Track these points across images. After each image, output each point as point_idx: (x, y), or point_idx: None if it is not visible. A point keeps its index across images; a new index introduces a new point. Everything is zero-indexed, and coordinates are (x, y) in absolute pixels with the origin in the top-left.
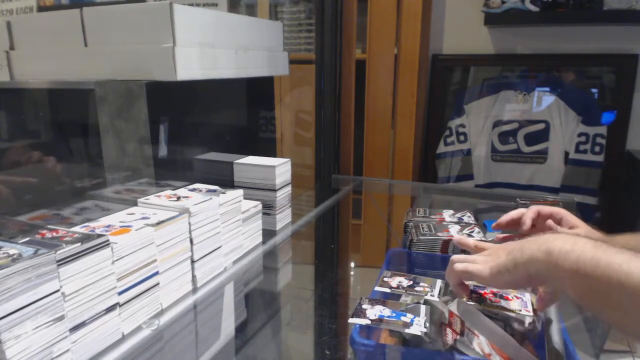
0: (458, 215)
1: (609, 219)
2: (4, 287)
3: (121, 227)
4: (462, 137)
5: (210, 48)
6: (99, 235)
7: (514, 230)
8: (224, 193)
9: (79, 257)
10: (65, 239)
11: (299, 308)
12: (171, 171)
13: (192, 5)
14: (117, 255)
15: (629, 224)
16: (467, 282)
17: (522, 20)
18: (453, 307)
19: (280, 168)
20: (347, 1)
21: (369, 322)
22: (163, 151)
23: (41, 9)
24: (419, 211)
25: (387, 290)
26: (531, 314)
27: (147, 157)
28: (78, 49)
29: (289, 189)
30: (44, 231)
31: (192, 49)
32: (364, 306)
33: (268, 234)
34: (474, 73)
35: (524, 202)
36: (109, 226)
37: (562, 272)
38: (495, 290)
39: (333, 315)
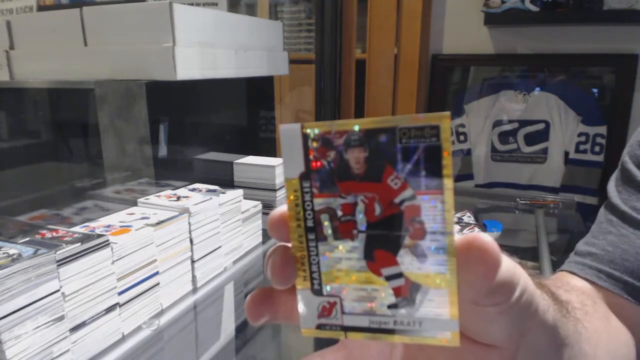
0: (458, 215)
1: None
2: (4, 287)
3: (121, 227)
4: (462, 137)
5: (210, 48)
6: (99, 235)
7: None
8: (223, 193)
9: (79, 257)
10: (65, 239)
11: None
12: (171, 171)
13: (192, 5)
14: (117, 255)
15: None
16: None
17: (522, 20)
18: None
19: (280, 168)
20: (347, 1)
21: None
22: (163, 151)
23: (41, 8)
24: None
25: None
26: None
27: (147, 157)
28: (78, 48)
29: None
30: (44, 231)
31: (192, 49)
32: None
33: (268, 234)
34: (474, 73)
35: (524, 201)
36: (109, 226)
37: None
38: None
39: None
